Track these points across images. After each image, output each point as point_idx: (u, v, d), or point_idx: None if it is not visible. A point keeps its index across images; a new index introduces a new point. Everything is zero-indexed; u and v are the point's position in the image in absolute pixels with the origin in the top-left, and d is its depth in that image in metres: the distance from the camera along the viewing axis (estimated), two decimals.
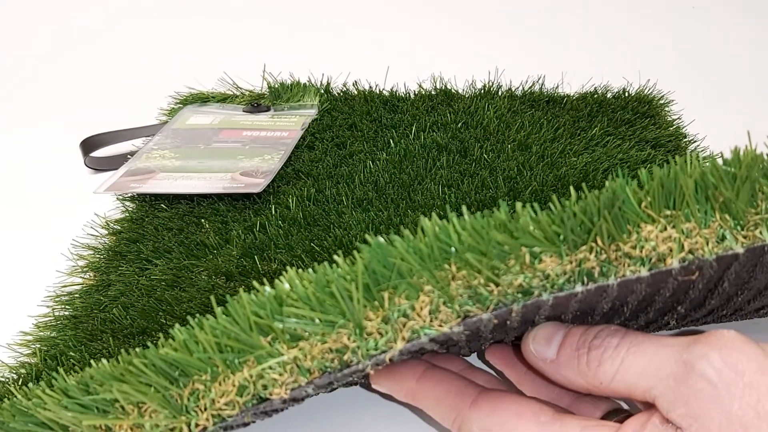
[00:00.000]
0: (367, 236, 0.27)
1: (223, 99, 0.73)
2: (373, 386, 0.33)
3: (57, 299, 0.46)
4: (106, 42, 0.90)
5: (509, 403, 0.30)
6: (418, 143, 0.60)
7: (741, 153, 0.28)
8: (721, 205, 0.28)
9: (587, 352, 0.29)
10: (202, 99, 0.73)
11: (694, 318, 0.33)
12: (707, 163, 0.28)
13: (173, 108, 0.72)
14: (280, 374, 0.26)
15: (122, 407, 0.27)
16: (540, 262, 0.26)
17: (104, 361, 0.29)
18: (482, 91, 0.71)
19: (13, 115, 0.74)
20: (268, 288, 0.28)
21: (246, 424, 0.29)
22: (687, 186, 0.27)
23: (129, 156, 0.61)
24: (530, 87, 0.70)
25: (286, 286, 0.27)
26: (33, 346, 0.42)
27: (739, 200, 0.27)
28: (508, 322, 0.28)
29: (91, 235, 0.52)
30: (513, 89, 0.70)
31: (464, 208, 0.28)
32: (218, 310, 0.28)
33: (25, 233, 0.54)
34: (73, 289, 0.47)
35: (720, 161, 0.28)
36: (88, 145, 0.63)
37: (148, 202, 0.56)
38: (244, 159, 0.59)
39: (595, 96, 0.68)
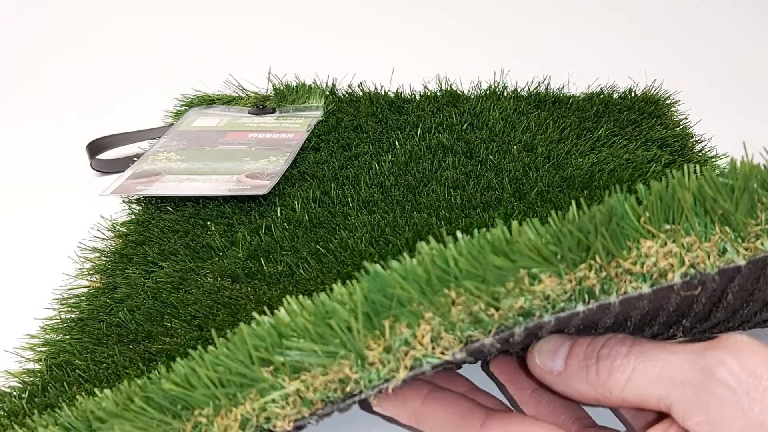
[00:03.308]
0: (365, 264, 0.27)
1: (229, 101, 0.73)
2: (375, 409, 0.33)
3: (63, 302, 0.46)
4: (111, 44, 0.90)
5: (521, 426, 0.29)
6: (424, 144, 0.60)
7: (738, 164, 0.28)
8: (721, 217, 0.27)
9: (596, 362, 0.29)
10: (207, 101, 0.73)
11: (701, 330, 0.32)
12: (704, 176, 0.28)
13: (179, 110, 0.72)
14: (283, 407, 0.27)
15: None
16: (539, 282, 0.26)
17: (107, 392, 0.29)
18: (488, 92, 0.70)
19: (20, 117, 0.74)
20: (267, 318, 0.28)
21: None
22: (685, 200, 0.27)
23: (135, 159, 0.61)
24: (536, 88, 0.70)
25: (285, 316, 0.27)
26: (39, 350, 0.42)
27: (738, 212, 0.27)
28: (511, 340, 0.28)
29: (98, 237, 0.52)
30: (519, 90, 0.70)
31: (458, 234, 0.27)
32: (219, 341, 0.28)
33: (31, 236, 0.55)
34: (80, 292, 0.47)
35: (717, 173, 0.28)
36: (95, 147, 0.64)
37: (154, 204, 0.56)
38: (249, 161, 0.59)
39: (601, 96, 0.68)
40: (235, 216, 0.53)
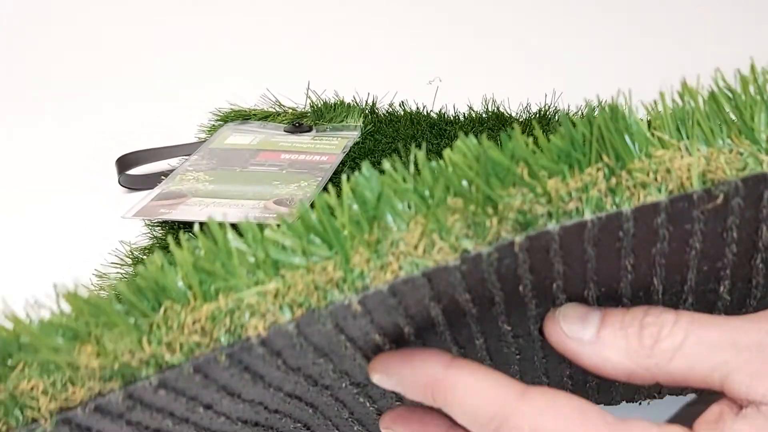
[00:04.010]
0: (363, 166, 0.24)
1: (265, 116, 0.70)
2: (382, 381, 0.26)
3: None
4: (148, 54, 0.89)
5: (568, 399, 0.24)
6: None
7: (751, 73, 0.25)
8: (737, 129, 0.25)
9: (639, 330, 0.24)
10: (243, 116, 0.70)
11: (747, 306, 0.28)
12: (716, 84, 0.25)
13: (213, 125, 0.69)
14: (258, 302, 0.23)
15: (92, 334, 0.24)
16: (539, 180, 0.23)
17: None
18: (538, 115, 0.66)
19: (50, 129, 0.73)
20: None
21: (220, 367, 0.24)
22: (699, 110, 0.25)
23: (163, 177, 0.59)
24: (590, 111, 0.65)
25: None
26: None
27: (756, 123, 0.24)
28: (518, 272, 0.24)
29: (114, 264, 0.50)
30: (570, 114, 0.65)
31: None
32: (198, 232, 0.24)
33: (52, 255, 0.53)
34: None
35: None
36: (124, 163, 0.62)
37: (176, 228, 0.53)
38: (279, 185, 0.56)
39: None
40: None
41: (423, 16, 0.96)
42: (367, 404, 0.30)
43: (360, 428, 0.32)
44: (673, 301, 0.27)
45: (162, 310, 0.23)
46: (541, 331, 0.27)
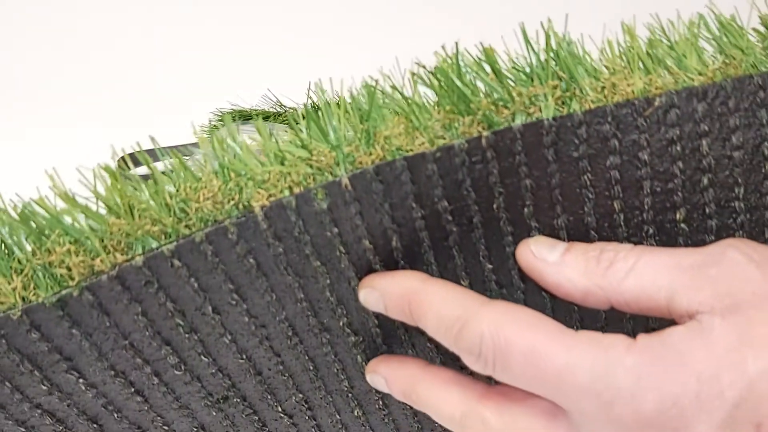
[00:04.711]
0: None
1: (266, 117, 0.70)
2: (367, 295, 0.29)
3: None
4: (149, 56, 0.89)
5: (526, 309, 0.27)
6: None
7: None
8: (674, 63, 0.29)
9: (599, 254, 0.27)
10: (244, 116, 0.70)
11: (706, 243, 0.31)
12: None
13: (214, 126, 0.69)
14: (263, 181, 0.27)
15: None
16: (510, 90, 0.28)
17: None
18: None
19: (50, 129, 0.73)
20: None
21: (230, 241, 0.27)
22: (640, 48, 0.29)
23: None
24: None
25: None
26: None
27: (688, 59, 0.29)
28: (490, 181, 0.28)
29: None
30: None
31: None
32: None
33: None
34: None
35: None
36: (124, 162, 0.62)
37: None
38: None
39: None
40: None
41: (423, 17, 0.96)
42: (359, 359, 0.32)
43: (355, 404, 0.35)
44: (637, 235, 0.29)
45: (180, 184, 0.27)
46: (523, 279, 0.30)
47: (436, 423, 0.32)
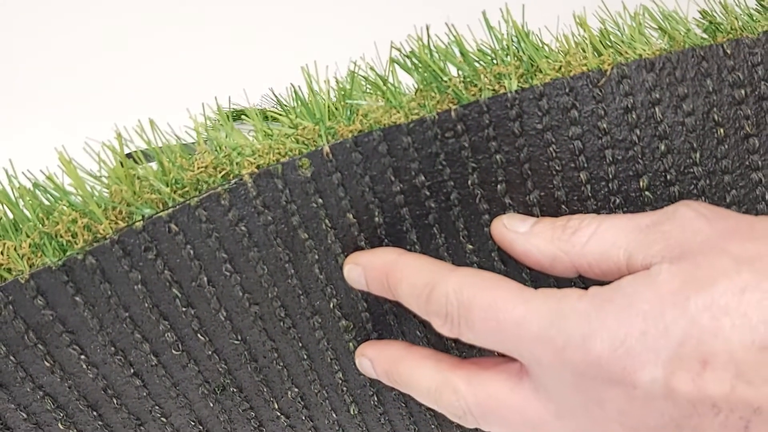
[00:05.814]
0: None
1: (266, 117, 0.69)
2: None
3: None
4: (149, 56, 0.89)
5: (491, 274, 0.29)
6: None
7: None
8: (624, 45, 0.32)
9: (565, 223, 0.29)
10: (243, 115, 0.69)
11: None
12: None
13: (214, 125, 0.69)
14: (252, 153, 0.30)
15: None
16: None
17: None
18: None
19: (50, 129, 0.73)
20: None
21: (223, 207, 0.29)
22: (592, 34, 0.32)
23: None
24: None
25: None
26: None
27: (636, 42, 0.31)
28: (462, 155, 0.30)
29: None
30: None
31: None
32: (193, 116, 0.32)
33: None
34: None
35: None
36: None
37: None
38: None
39: None
40: None
41: (424, 17, 0.96)
42: (351, 347, 0.34)
43: (351, 400, 0.36)
44: (606, 207, 0.31)
45: (176, 156, 0.30)
46: (503, 261, 0.32)
47: (432, 426, 0.34)
